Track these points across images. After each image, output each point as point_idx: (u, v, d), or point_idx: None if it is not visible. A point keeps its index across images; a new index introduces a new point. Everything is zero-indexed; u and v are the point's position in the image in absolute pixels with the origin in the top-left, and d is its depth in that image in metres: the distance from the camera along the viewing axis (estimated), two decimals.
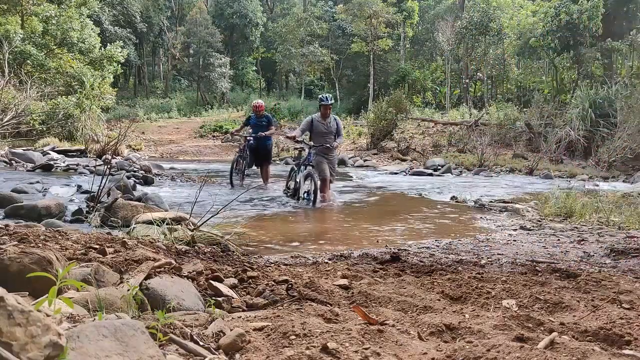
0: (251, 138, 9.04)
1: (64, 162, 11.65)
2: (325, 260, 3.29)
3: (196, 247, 3.17)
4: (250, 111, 9.85)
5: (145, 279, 1.88)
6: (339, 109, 32.57)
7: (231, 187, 8.51)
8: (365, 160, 19.28)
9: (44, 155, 12.66)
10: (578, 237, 4.59)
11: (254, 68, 41.26)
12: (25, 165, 10.88)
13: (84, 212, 4.95)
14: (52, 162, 11.02)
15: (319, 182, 6.82)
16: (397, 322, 1.70)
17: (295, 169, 7.54)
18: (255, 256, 3.27)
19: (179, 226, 3.74)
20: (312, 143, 7.24)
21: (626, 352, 1.42)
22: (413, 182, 12.06)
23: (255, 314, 1.75)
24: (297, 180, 7.24)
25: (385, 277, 2.61)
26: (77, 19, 20.83)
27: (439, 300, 2.07)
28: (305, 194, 6.97)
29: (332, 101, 7.65)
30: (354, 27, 32.06)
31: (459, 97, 32.72)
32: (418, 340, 1.48)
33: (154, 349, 1.09)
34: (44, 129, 17.22)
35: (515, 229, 5.20)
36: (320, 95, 7.72)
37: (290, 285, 2.19)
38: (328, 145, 7.26)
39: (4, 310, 0.88)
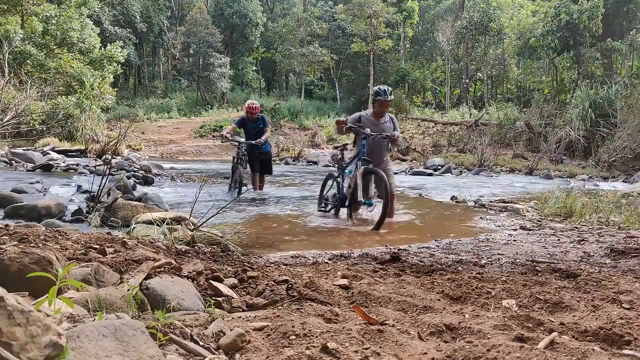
0: (245, 145, 7.90)
1: (64, 162, 11.66)
2: (325, 260, 3.29)
3: (196, 247, 3.17)
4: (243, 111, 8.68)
5: (145, 279, 1.88)
6: (339, 109, 32.59)
7: (237, 195, 7.41)
8: None
9: (44, 155, 12.66)
10: (578, 237, 4.59)
11: (254, 68, 41.28)
12: (25, 165, 10.89)
13: (84, 212, 4.95)
14: (52, 162, 11.02)
15: (388, 182, 5.14)
16: (397, 322, 1.70)
17: (336, 174, 5.91)
18: (255, 256, 3.27)
19: (179, 226, 3.74)
20: (368, 131, 5.47)
21: (626, 352, 1.42)
22: (413, 181, 12.07)
23: (255, 314, 1.75)
24: (345, 185, 5.59)
25: (385, 277, 2.61)
26: (77, 19, 20.85)
27: (439, 300, 2.07)
28: (366, 201, 5.25)
29: (392, 97, 5.87)
30: (354, 27, 32.08)
31: (459, 97, 32.74)
32: (418, 340, 1.48)
33: (154, 349, 1.09)
34: (44, 129, 17.24)
35: (515, 229, 5.20)
36: (377, 88, 5.80)
37: (290, 285, 2.19)
38: (386, 134, 5.58)
39: (4, 310, 0.88)
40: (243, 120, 8.23)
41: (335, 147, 6.37)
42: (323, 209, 5.98)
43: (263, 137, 7.97)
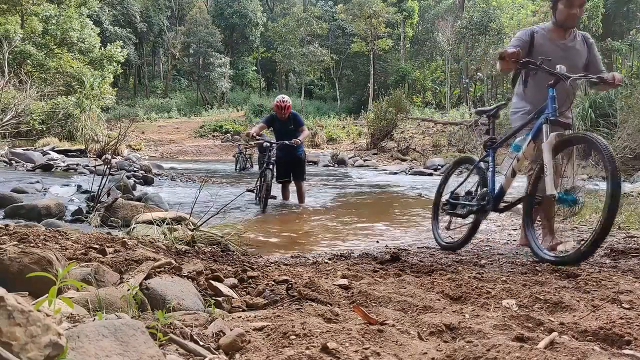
0: (274, 145, 6.89)
1: (64, 162, 11.67)
2: (325, 260, 3.29)
3: (196, 247, 3.17)
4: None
5: (145, 278, 1.88)
6: (339, 109, 32.59)
7: (264, 208, 6.35)
8: (365, 160, 19.31)
9: (44, 155, 12.67)
10: (578, 237, 4.59)
11: (254, 68, 41.32)
12: (25, 165, 10.90)
13: (84, 212, 4.96)
14: (52, 162, 11.03)
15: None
16: (397, 322, 1.70)
17: (476, 158, 3.83)
18: (255, 256, 3.27)
19: (179, 226, 3.74)
20: (562, 69, 3.05)
21: (626, 352, 1.42)
22: (413, 182, 12.07)
23: (255, 314, 1.75)
24: (507, 172, 3.51)
25: (385, 277, 2.61)
26: (77, 18, 20.89)
27: (439, 300, 2.07)
28: (563, 195, 3.06)
29: None
30: (354, 27, 32.12)
31: (459, 97, 32.76)
32: (418, 340, 1.48)
33: (154, 349, 1.09)
34: (44, 129, 17.26)
35: (515, 229, 5.20)
36: None
37: (290, 285, 2.19)
38: (595, 77, 3.22)
39: (4, 310, 0.88)
40: (271, 118, 7.10)
41: (480, 112, 3.95)
42: (451, 211, 3.84)
43: (300, 137, 6.80)
